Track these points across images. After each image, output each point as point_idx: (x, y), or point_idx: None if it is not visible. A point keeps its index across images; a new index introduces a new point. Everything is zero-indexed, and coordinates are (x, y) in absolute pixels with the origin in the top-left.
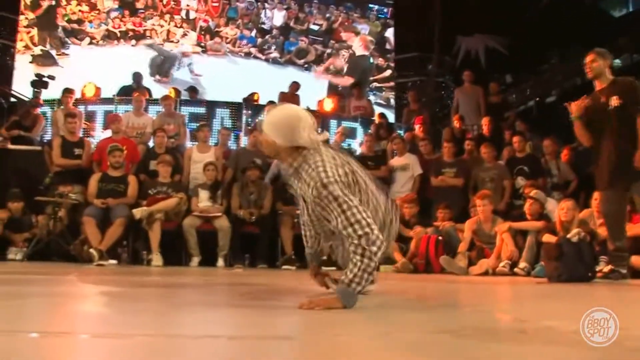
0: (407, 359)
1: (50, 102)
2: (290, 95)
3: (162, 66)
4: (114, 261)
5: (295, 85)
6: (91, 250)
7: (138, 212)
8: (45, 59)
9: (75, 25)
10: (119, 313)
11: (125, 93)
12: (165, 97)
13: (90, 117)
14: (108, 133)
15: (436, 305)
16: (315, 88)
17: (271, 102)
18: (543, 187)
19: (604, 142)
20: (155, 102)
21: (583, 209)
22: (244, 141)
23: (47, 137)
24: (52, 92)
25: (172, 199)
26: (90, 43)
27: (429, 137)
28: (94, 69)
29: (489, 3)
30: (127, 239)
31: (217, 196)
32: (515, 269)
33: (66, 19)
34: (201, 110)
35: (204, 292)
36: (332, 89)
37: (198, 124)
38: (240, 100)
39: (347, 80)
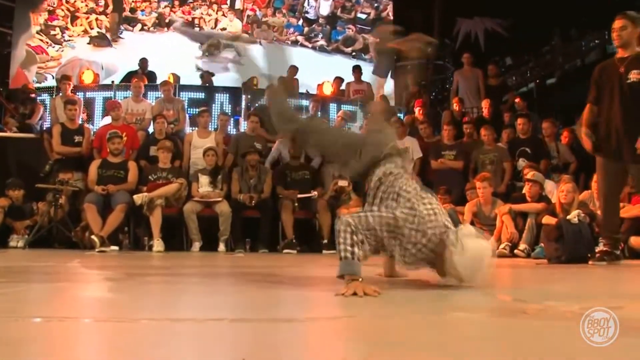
0: (427, 336)
1: (48, 90)
2: (289, 79)
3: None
4: (115, 247)
5: (293, 69)
6: (92, 236)
7: (139, 198)
8: (101, 40)
9: (128, 14)
10: (123, 298)
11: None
12: (164, 83)
13: (89, 104)
14: (107, 120)
15: (435, 287)
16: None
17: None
18: (545, 169)
19: (612, 112)
20: (155, 87)
21: (583, 191)
22: (244, 126)
23: (47, 125)
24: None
25: (173, 185)
26: (142, 29)
27: (428, 120)
28: (145, 53)
29: None
30: (128, 225)
31: (218, 181)
32: (516, 251)
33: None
34: (200, 95)
35: (205, 276)
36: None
37: (198, 110)
38: (240, 85)
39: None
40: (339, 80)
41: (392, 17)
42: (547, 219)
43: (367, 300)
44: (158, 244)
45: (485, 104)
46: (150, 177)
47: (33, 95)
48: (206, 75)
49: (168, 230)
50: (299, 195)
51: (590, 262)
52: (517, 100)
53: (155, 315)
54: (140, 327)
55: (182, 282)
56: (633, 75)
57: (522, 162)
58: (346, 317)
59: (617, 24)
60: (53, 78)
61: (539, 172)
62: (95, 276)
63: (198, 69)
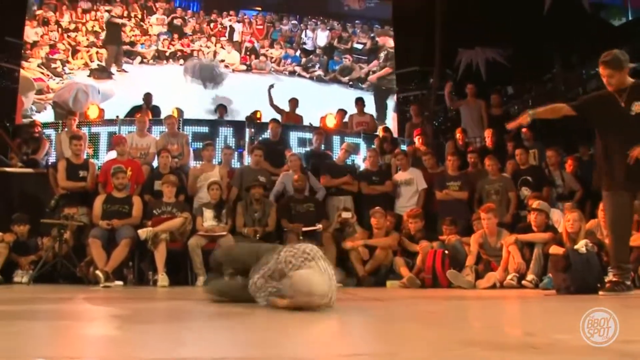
0: None
1: (53, 125)
2: (292, 113)
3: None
4: (120, 282)
5: (293, 102)
6: (97, 272)
7: (143, 233)
8: (101, 72)
9: (128, 47)
10: (127, 336)
11: (137, 113)
12: (168, 117)
13: (94, 138)
14: (112, 154)
15: (445, 321)
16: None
17: (274, 120)
18: (547, 197)
19: (617, 145)
20: (159, 122)
21: (589, 220)
22: (248, 159)
23: (52, 159)
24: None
25: (177, 219)
26: (141, 62)
27: (431, 150)
28: (145, 86)
29: (490, 15)
30: (132, 260)
31: (222, 215)
32: (523, 282)
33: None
34: (204, 129)
35: (211, 312)
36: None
37: (203, 143)
38: (244, 119)
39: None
40: (342, 112)
41: (393, 48)
42: (555, 249)
43: (375, 334)
44: (163, 279)
45: (488, 134)
46: (154, 211)
47: (37, 135)
48: (220, 109)
49: (173, 265)
50: (304, 229)
51: (600, 293)
52: (524, 130)
53: (160, 354)
54: None
55: (188, 319)
56: (637, 108)
57: (525, 192)
58: (351, 355)
59: (603, 72)
60: (52, 107)
61: (544, 202)
62: (100, 313)
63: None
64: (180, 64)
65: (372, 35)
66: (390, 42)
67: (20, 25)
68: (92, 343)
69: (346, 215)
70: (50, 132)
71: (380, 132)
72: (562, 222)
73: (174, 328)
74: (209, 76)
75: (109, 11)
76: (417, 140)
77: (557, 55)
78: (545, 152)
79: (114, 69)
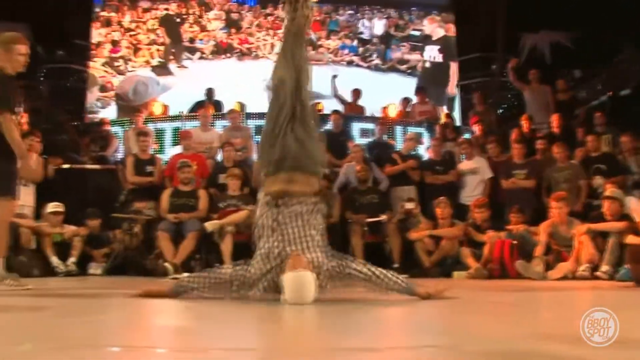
0: None
1: (120, 122)
2: (354, 104)
3: None
4: (188, 274)
5: (357, 92)
6: (166, 264)
7: (210, 226)
8: (162, 69)
9: (187, 43)
10: (196, 326)
11: (200, 108)
12: (231, 111)
13: (160, 134)
14: (178, 149)
15: (513, 313)
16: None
17: (335, 112)
18: (622, 185)
19: None
20: (222, 116)
21: None
22: None
23: (120, 155)
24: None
25: (242, 212)
26: (201, 57)
27: (496, 138)
28: (206, 80)
29: None
30: (200, 252)
31: None
32: (597, 273)
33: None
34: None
35: (279, 302)
36: None
37: None
38: None
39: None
40: (406, 101)
41: (454, 34)
42: (632, 239)
43: (437, 329)
44: None
45: (554, 118)
46: (220, 204)
47: (105, 132)
48: None
49: (239, 257)
50: (368, 220)
51: None
52: (597, 114)
53: (230, 345)
54: (210, 357)
55: (257, 309)
56: None
57: (599, 180)
58: (426, 347)
59: None
60: (115, 101)
61: (618, 189)
62: (170, 304)
63: None
64: (238, 58)
65: (427, 20)
66: (453, 31)
67: (87, 27)
68: (162, 333)
69: (409, 205)
70: (117, 129)
71: (443, 118)
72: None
73: (242, 318)
74: None
75: (167, 9)
76: (476, 128)
77: (628, 35)
78: (619, 138)
79: (173, 65)
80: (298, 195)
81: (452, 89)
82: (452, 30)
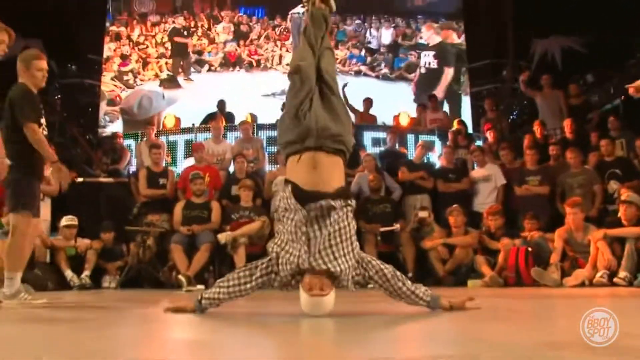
0: None
1: (133, 135)
2: (366, 113)
3: None
4: (201, 286)
5: (368, 102)
6: (179, 276)
7: (223, 237)
8: (170, 82)
9: (196, 56)
10: (209, 339)
11: (211, 120)
12: (243, 123)
13: (172, 146)
14: (190, 161)
15: (530, 321)
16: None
17: None
18: (638, 189)
19: None
20: (234, 128)
21: None
22: None
23: (133, 168)
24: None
25: (255, 223)
26: (209, 70)
27: (509, 144)
28: (216, 93)
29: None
30: (213, 264)
31: None
32: (615, 279)
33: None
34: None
35: (291, 313)
36: None
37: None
38: None
39: None
40: (421, 107)
41: (464, 40)
42: None
43: (454, 338)
44: None
45: (567, 123)
46: (233, 216)
47: (118, 146)
48: None
49: None
50: (381, 229)
51: None
52: (611, 118)
53: (242, 358)
54: None
55: (269, 321)
56: None
57: (614, 185)
58: (444, 357)
59: None
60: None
61: (634, 194)
62: (184, 317)
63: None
64: (246, 70)
65: (436, 28)
66: (453, 38)
67: (99, 41)
68: (178, 346)
69: (423, 214)
70: (130, 142)
71: (455, 124)
72: None
73: (255, 330)
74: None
75: (174, 24)
76: (489, 135)
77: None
78: (634, 142)
79: (181, 78)
80: (325, 197)
81: (440, 92)
82: (451, 37)
